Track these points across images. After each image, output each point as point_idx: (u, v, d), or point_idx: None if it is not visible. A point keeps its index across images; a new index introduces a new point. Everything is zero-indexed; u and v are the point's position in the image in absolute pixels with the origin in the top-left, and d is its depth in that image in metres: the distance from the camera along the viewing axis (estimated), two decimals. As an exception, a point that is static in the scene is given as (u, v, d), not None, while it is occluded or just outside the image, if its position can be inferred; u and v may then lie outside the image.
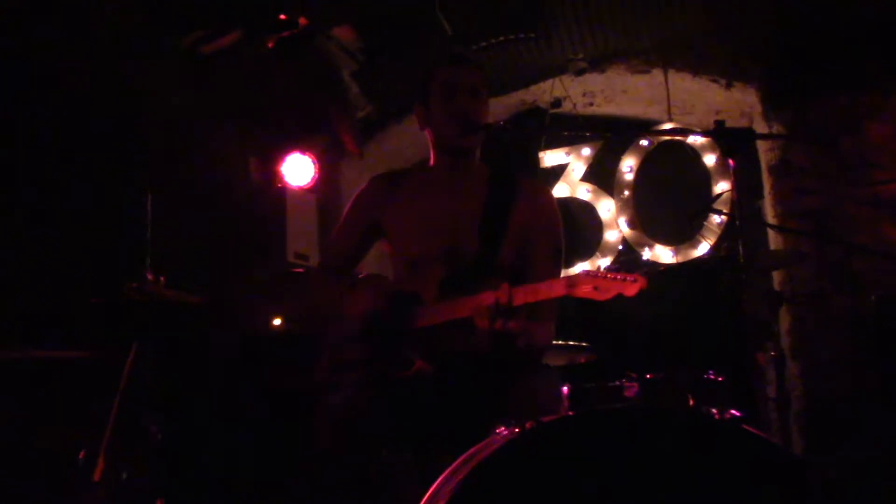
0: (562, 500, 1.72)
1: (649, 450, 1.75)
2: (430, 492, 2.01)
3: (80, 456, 3.28)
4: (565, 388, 1.93)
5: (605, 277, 2.16)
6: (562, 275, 2.71)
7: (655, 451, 1.74)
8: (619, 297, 2.14)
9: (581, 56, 5.18)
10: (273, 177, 5.02)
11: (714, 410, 1.75)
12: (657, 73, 5.20)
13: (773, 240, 4.73)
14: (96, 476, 3.22)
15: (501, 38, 4.98)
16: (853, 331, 4.18)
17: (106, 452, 3.25)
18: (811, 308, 4.39)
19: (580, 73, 5.28)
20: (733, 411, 1.75)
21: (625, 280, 2.12)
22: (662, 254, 5.27)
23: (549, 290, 2.31)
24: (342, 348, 2.78)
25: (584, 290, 2.19)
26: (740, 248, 2.88)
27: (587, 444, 1.76)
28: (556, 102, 5.57)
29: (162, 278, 3.37)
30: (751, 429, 1.73)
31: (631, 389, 1.91)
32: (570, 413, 1.84)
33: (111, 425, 3.27)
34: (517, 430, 1.80)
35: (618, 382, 1.94)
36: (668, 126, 5.32)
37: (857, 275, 4.30)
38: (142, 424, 3.23)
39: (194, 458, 3.74)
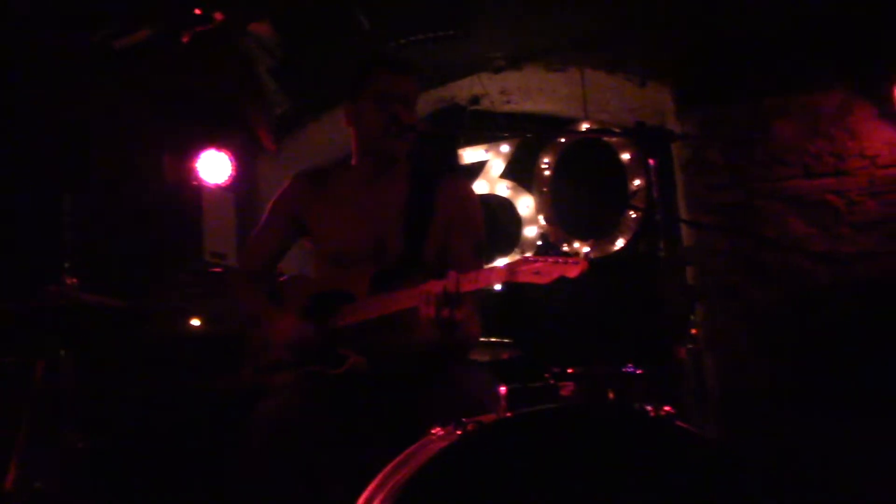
0: (503, 501, 1.74)
1: (586, 449, 1.78)
2: (365, 494, 2.01)
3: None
4: (503, 389, 1.95)
5: (546, 261, 2.16)
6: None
7: (592, 451, 1.78)
8: (559, 280, 2.14)
9: (499, 54, 5.22)
10: (189, 174, 4.92)
11: (649, 408, 1.80)
12: (573, 72, 5.28)
13: (686, 235, 4.86)
14: (7, 484, 3.13)
15: (420, 36, 4.98)
16: (765, 323, 4.33)
17: (18, 462, 3.15)
18: (724, 301, 4.53)
19: (498, 70, 5.32)
20: (667, 408, 1.80)
21: (566, 263, 2.13)
22: (580, 249, 5.37)
23: (491, 277, 2.32)
24: (269, 350, 2.77)
25: (526, 276, 2.20)
26: (661, 244, 2.95)
27: (527, 445, 1.78)
28: (475, 100, 5.62)
29: (75, 280, 3.27)
30: (684, 425, 1.78)
31: (567, 388, 1.94)
32: (509, 414, 1.86)
33: (23, 432, 3.18)
34: (458, 431, 1.81)
35: (553, 381, 1.96)
36: (585, 124, 5.41)
37: (767, 268, 4.46)
38: (61, 433, 3.13)
39: (119, 466, 3.64)
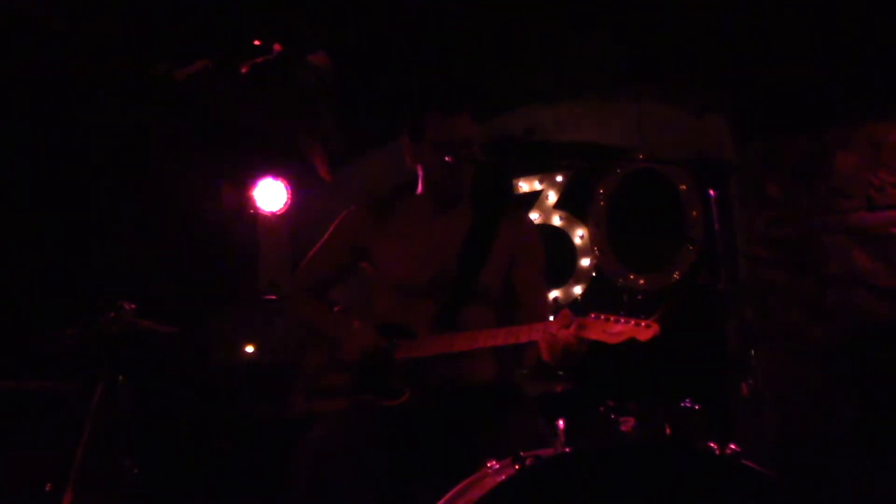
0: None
1: (648, 486, 1.74)
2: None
3: (47, 488, 3.20)
4: (561, 423, 1.91)
5: (618, 321, 2.11)
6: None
7: (654, 488, 1.73)
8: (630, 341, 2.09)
9: (553, 84, 5.21)
10: (245, 203, 4.98)
11: (713, 445, 1.75)
12: (629, 102, 5.24)
13: (744, 270, 4.77)
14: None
15: (473, 67, 5.00)
16: (826, 361, 4.21)
17: (74, 485, 3.18)
18: (784, 338, 4.42)
19: (552, 101, 5.31)
20: (733, 446, 1.74)
21: (638, 325, 2.07)
22: (635, 281, 5.29)
23: (567, 331, 2.27)
24: (321, 375, 2.76)
25: (595, 333, 2.15)
26: (720, 277, 2.90)
27: (587, 481, 1.74)
28: (529, 130, 5.60)
29: (133, 307, 3.31)
30: (751, 464, 1.72)
31: (627, 424, 1.89)
32: (568, 449, 1.82)
33: (79, 457, 3.20)
34: (517, 465, 1.78)
35: (613, 416, 1.92)
36: (640, 155, 5.35)
37: (830, 305, 4.34)
38: (116, 458, 3.15)
39: (173, 493, 3.66)
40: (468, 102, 2.80)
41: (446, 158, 2.65)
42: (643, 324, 2.07)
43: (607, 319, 2.13)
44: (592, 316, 2.18)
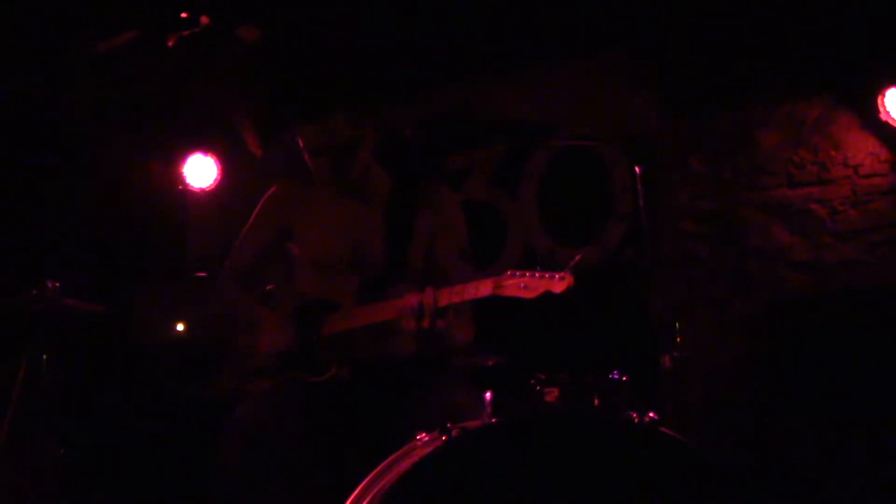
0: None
1: (570, 455, 1.78)
2: (349, 500, 2.00)
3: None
4: (488, 394, 1.95)
5: (533, 276, 2.18)
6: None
7: (576, 457, 1.78)
8: (546, 294, 2.16)
9: (483, 60, 5.22)
10: (174, 178, 4.90)
11: (633, 414, 1.80)
12: (559, 78, 5.29)
13: (670, 244, 4.87)
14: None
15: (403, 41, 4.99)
16: (747, 331, 4.35)
17: (-1, 468, 3.13)
18: (707, 310, 4.55)
19: (484, 77, 5.32)
20: (651, 414, 1.80)
21: (552, 277, 2.15)
22: (565, 257, 5.35)
23: (477, 291, 2.33)
24: (252, 356, 2.76)
25: (512, 290, 2.21)
26: (647, 251, 2.96)
27: (512, 451, 1.78)
28: (459, 107, 5.61)
29: (57, 284, 3.24)
30: (669, 432, 1.78)
31: (552, 394, 1.94)
32: (494, 420, 1.86)
33: (2, 439, 3.14)
34: (443, 437, 1.81)
35: (539, 388, 1.97)
36: (570, 132, 5.41)
37: (752, 278, 4.48)
38: (41, 440, 3.10)
39: (98, 474, 3.61)
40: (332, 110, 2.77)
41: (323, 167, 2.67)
42: (557, 276, 2.16)
43: (522, 275, 2.20)
44: (508, 273, 2.25)
